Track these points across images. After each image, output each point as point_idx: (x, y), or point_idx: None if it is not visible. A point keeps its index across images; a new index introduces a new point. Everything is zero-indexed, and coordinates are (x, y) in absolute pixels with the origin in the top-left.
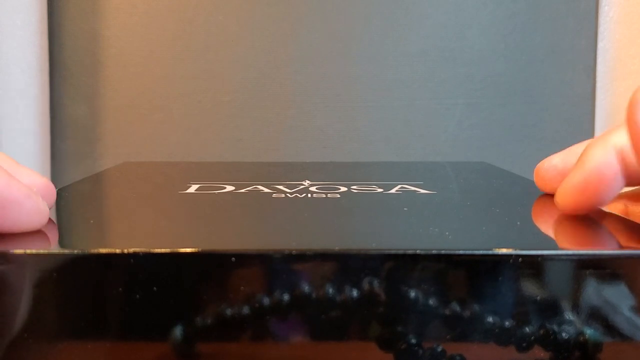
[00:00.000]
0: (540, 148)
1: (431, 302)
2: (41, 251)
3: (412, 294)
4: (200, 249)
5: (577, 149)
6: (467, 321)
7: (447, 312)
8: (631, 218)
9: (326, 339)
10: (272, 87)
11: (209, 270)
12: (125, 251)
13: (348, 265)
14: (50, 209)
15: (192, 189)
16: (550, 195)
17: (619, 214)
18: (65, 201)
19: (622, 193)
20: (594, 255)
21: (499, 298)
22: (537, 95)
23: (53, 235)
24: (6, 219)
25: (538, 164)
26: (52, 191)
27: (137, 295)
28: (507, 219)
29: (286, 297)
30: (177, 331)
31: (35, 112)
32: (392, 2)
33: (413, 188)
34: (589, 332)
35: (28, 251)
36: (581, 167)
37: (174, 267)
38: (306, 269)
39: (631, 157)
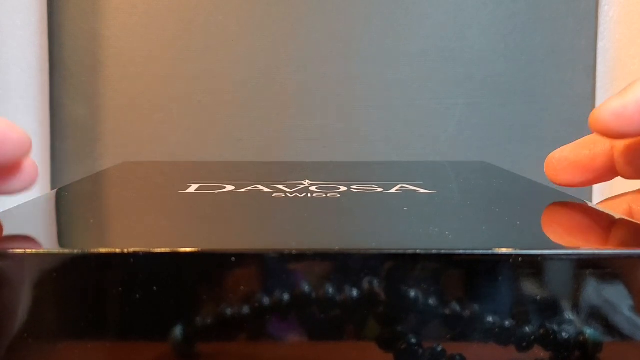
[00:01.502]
0: (540, 148)
1: (431, 301)
2: (41, 251)
3: (412, 293)
4: (200, 249)
5: (588, 139)
6: (467, 321)
7: (447, 311)
8: (635, 218)
9: (326, 338)
10: (272, 87)
11: (209, 270)
12: (125, 251)
13: (348, 265)
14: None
15: (192, 189)
16: (550, 195)
17: (621, 214)
18: (65, 201)
19: (625, 193)
20: (594, 255)
21: (499, 298)
22: (537, 95)
23: (53, 235)
24: None
25: (549, 155)
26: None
27: (137, 295)
28: (507, 219)
29: (286, 297)
30: (177, 331)
31: (35, 112)
32: (392, 2)
33: (413, 188)
34: (589, 332)
35: (28, 251)
36: (623, 94)
37: (174, 267)
38: (306, 268)
39: None
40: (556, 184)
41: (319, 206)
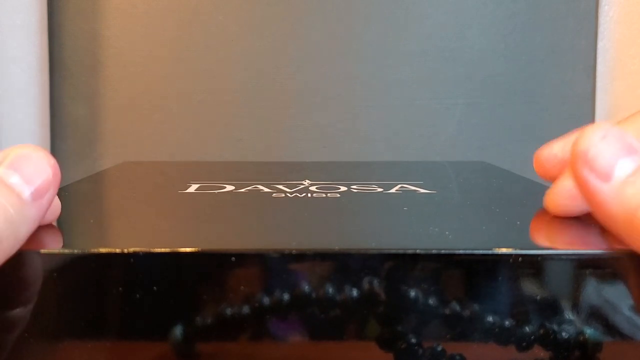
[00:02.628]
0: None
1: (431, 301)
2: (41, 251)
3: (412, 293)
4: (200, 249)
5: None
6: (467, 321)
7: (447, 311)
8: None
9: (326, 338)
10: (272, 87)
11: (209, 270)
12: (125, 251)
13: (348, 265)
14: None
15: (192, 188)
16: None
17: None
18: (65, 201)
19: None
20: (594, 255)
21: (499, 298)
22: (537, 95)
23: (53, 235)
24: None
25: (537, 152)
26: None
27: (137, 295)
28: (507, 219)
29: (286, 296)
30: (177, 331)
31: (35, 112)
32: (392, 2)
33: (413, 188)
34: (589, 331)
35: (28, 251)
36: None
37: (174, 267)
38: (306, 268)
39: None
40: (545, 179)
41: (319, 206)
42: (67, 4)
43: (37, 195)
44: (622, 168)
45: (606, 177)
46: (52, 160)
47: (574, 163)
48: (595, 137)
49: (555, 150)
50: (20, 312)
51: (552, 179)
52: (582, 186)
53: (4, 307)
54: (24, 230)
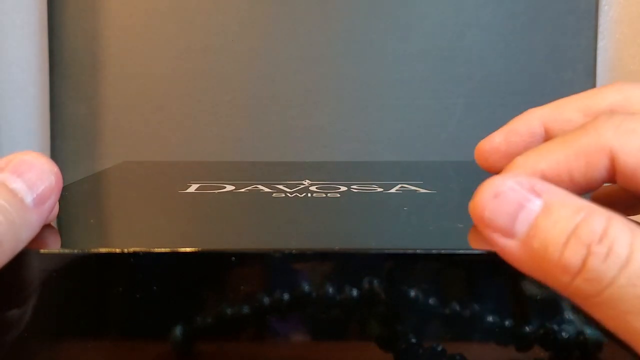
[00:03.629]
0: None
1: (431, 301)
2: (41, 251)
3: (412, 293)
4: (200, 249)
5: (518, 126)
6: (467, 321)
7: (447, 311)
8: None
9: (326, 338)
10: (272, 87)
11: (209, 270)
12: (126, 251)
13: (348, 264)
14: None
15: (192, 188)
16: None
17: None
18: (65, 201)
19: None
20: None
21: (499, 298)
22: (537, 95)
23: (53, 235)
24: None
25: (478, 145)
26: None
27: (138, 295)
28: None
29: (286, 296)
30: (177, 331)
31: (35, 112)
32: (392, 2)
33: (413, 187)
34: (589, 331)
35: (28, 251)
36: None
37: (174, 267)
38: (306, 268)
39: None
40: (489, 172)
41: (319, 206)
42: (67, 4)
43: (39, 201)
44: (523, 222)
45: (509, 234)
46: (55, 168)
47: (476, 224)
48: (486, 197)
49: (497, 142)
50: (20, 313)
51: (496, 171)
52: (492, 246)
53: (4, 308)
54: (25, 235)
